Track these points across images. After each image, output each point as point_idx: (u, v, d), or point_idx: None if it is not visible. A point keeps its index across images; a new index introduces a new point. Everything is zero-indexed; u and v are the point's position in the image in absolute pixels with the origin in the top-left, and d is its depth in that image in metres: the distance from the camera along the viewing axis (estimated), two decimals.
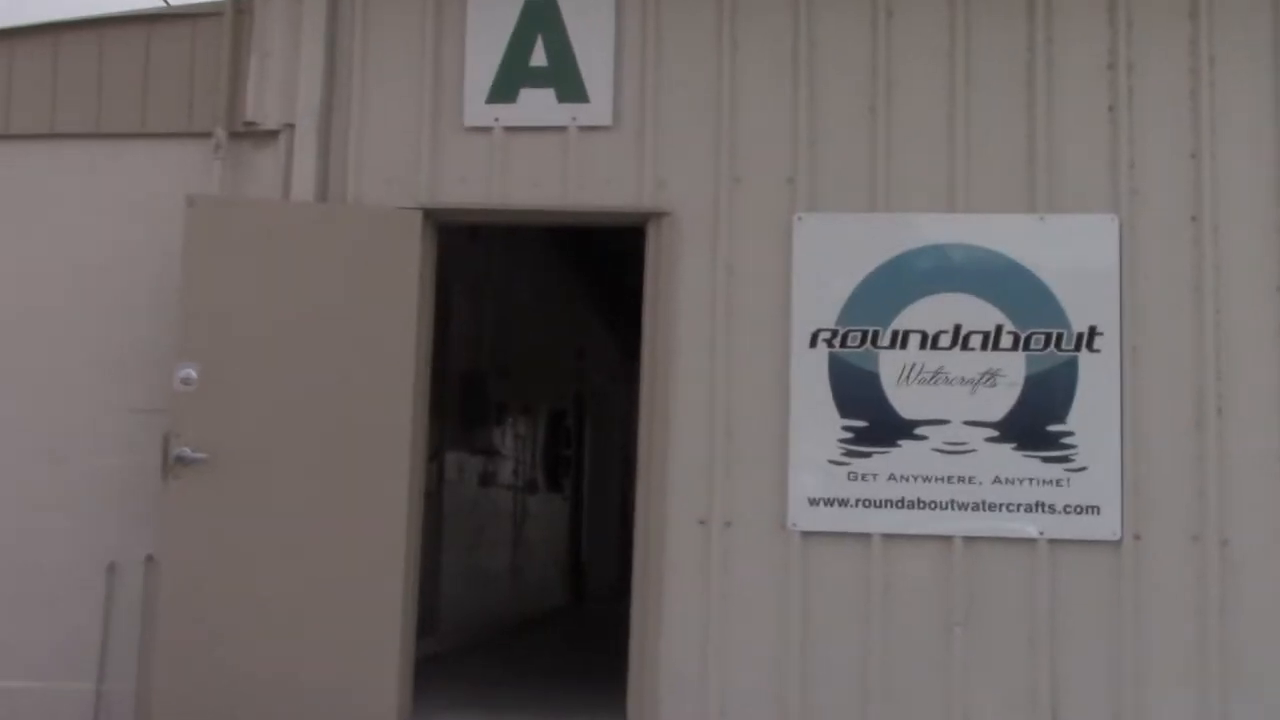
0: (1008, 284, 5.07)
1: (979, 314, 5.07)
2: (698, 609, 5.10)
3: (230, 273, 5.23)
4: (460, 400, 8.63)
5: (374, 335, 5.32)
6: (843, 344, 5.12)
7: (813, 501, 5.07)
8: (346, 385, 5.26)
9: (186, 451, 5.07)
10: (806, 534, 5.06)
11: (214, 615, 5.06)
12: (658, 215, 5.32)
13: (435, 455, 8.14)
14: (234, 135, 5.56)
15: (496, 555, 9.68)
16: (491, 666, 7.74)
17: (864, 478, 5.06)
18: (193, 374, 5.11)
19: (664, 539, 5.15)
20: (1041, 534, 4.95)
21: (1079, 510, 4.94)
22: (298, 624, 5.12)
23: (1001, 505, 4.98)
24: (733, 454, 5.15)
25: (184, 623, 5.05)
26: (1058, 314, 5.03)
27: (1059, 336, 5.02)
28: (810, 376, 5.12)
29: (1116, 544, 4.91)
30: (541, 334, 10.89)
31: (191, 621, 5.05)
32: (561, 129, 5.38)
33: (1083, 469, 4.95)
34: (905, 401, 5.07)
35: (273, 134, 5.56)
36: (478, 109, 5.44)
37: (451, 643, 8.27)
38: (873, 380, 5.10)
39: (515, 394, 9.87)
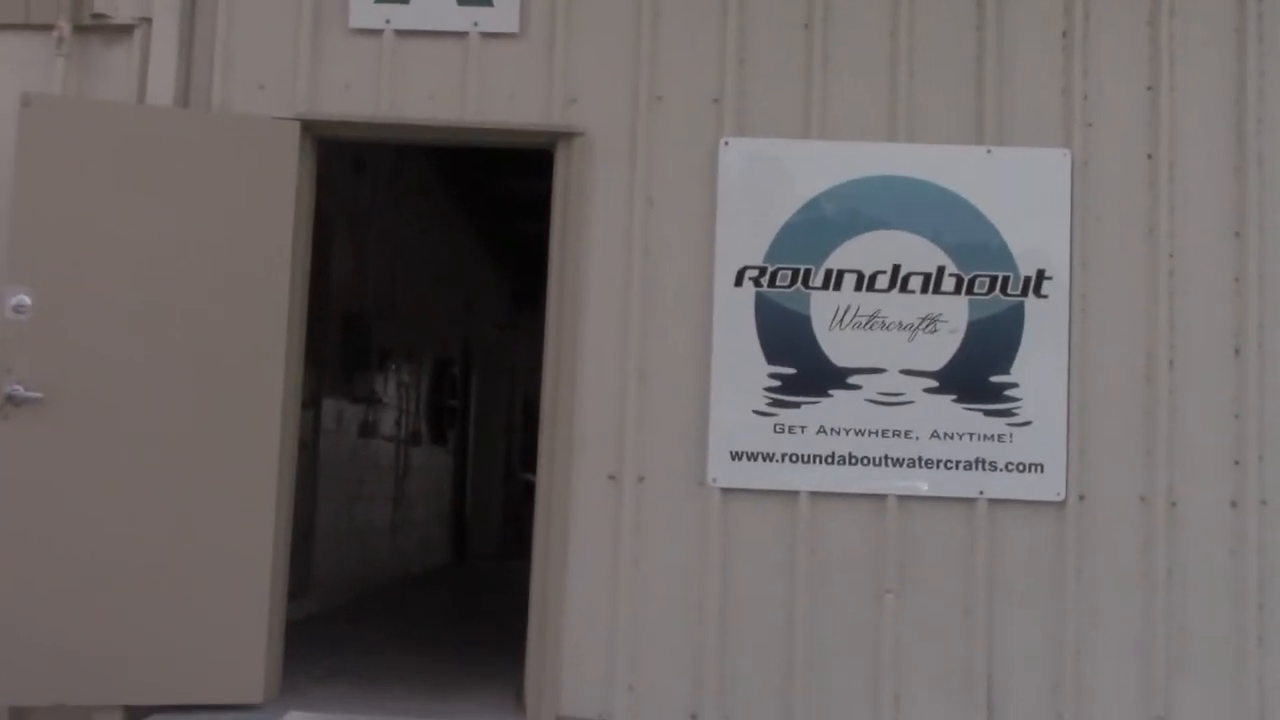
0: (951, 222, 4.64)
1: (920, 254, 4.64)
2: (605, 574, 4.60)
3: (72, 185, 4.52)
4: (340, 343, 7.98)
5: (242, 264, 4.67)
6: (771, 283, 4.65)
7: (735, 455, 4.60)
8: (209, 320, 4.61)
9: (18, 389, 4.37)
10: (727, 491, 4.60)
11: (47, 578, 4.40)
12: (568, 135, 4.76)
13: (312, 402, 7.48)
14: (80, 29, 4.81)
15: (376, 510, 9.06)
16: (371, 630, 7.16)
17: (791, 430, 4.60)
18: (26, 300, 4.41)
19: (569, 496, 4.63)
20: (982, 493, 4.56)
21: (1021, 468, 4.56)
22: (148, 589, 4.48)
23: (939, 462, 4.58)
24: (647, 403, 4.65)
25: (9, 587, 4.37)
26: (1004, 256, 4.63)
27: (1005, 280, 4.62)
28: (735, 319, 4.64)
29: (1060, 505, 4.55)
30: (428, 279, 10.24)
31: (19, 586, 4.38)
32: (461, 35, 4.77)
33: (1026, 424, 4.57)
34: (838, 348, 4.62)
35: (126, 29, 4.84)
36: (365, 8, 4.80)
37: (326, 604, 7.66)
38: (803, 324, 4.64)
39: (399, 340, 9.23)
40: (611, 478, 4.64)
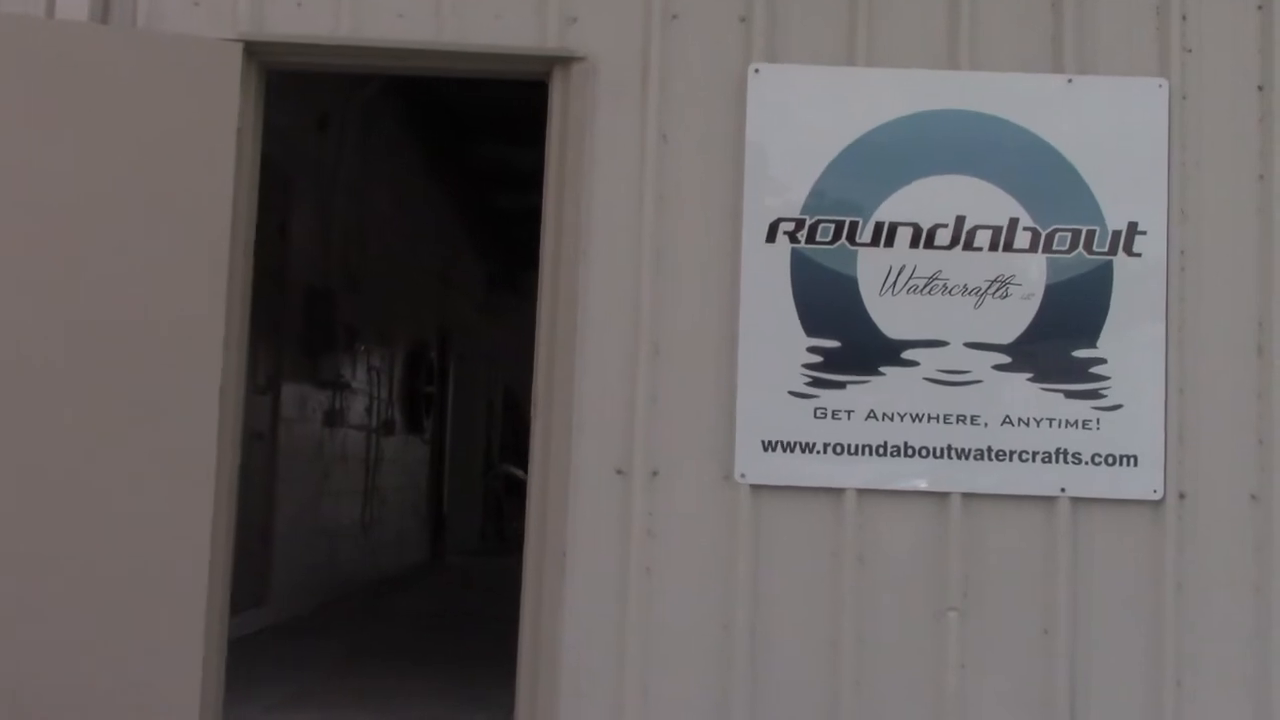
0: (1025, 165, 3.88)
1: (988, 203, 3.88)
2: (612, 586, 3.83)
3: None
4: (302, 321, 7.17)
5: (173, 218, 3.87)
6: (810, 239, 3.87)
7: (768, 446, 3.83)
8: (133, 284, 3.80)
9: None
10: (758, 488, 3.83)
11: None
12: (566, 61, 3.97)
13: (269, 386, 6.67)
14: None
15: (345, 507, 8.26)
16: (337, 644, 6.37)
17: (835, 415, 3.84)
18: None
19: (568, 494, 3.85)
20: (1063, 491, 3.81)
21: (1111, 461, 3.80)
22: (57, 604, 3.69)
23: (1012, 454, 3.82)
24: (662, 383, 3.87)
25: None
26: (1089, 205, 3.87)
27: (1090, 235, 3.86)
28: (767, 281, 3.87)
29: (1158, 504, 3.80)
30: (402, 253, 9.43)
31: None
32: None
33: (1117, 407, 3.81)
34: (891, 316, 3.86)
35: None
36: None
37: (286, 613, 6.86)
38: (849, 287, 3.87)
39: (370, 318, 8.42)
40: (619, 472, 3.86)
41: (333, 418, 7.84)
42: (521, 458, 14.57)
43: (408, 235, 9.58)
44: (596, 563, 3.85)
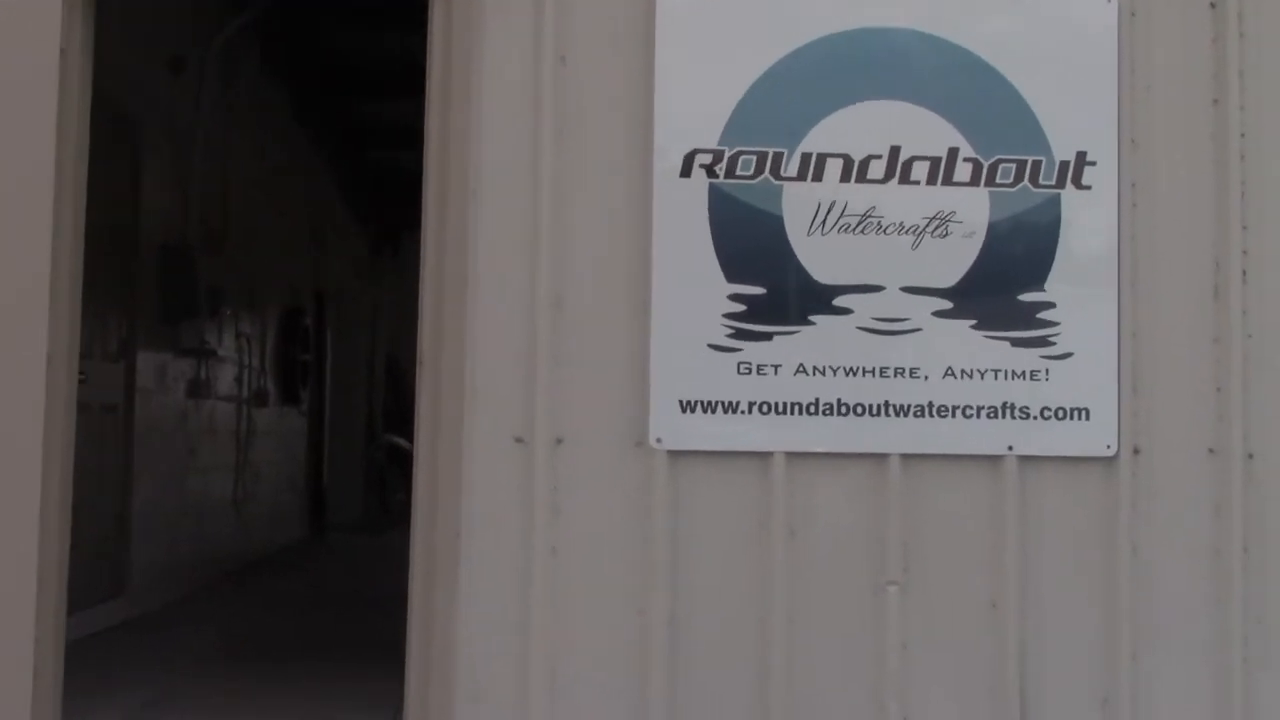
0: (965, 89, 3.49)
1: (926, 131, 3.48)
2: (513, 570, 3.37)
3: None
4: (159, 283, 6.51)
5: None
6: (730, 172, 3.44)
7: (686, 406, 3.40)
8: None
9: None
10: (676, 455, 3.40)
11: None
12: None
13: (121, 355, 6.03)
14: None
15: (214, 484, 7.63)
16: (207, 635, 5.80)
17: (761, 370, 3.42)
18: None
19: (461, 467, 3.38)
20: (1011, 449, 3.45)
21: (1061, 415, 3.46)
22: None
23: (955, 409, 3.45)
24: (565, 338, 3.41)
25: None
26: (1034, 134, 3.50)
27: (1035, 166, 3.49)
28: (682, 221, 3.42)
29: (1111, 461, 3.47)
30: (271, 211, 8.77)
31: None
32: None
33: (1067, 355, 3.47)
34: (821, 258, 3.45)
35: None
36: None
37: (151, 603, 6.25)
38: (774, 226, 3.45)
39: (237, 280, 7.77)
40: (519, 440, 3.39)
41: (198, 388, 7.20)
42: (406, 427, 13.97)
43: (279, 193, 8.91)
44: (495, 544, 3.38)
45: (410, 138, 10.26)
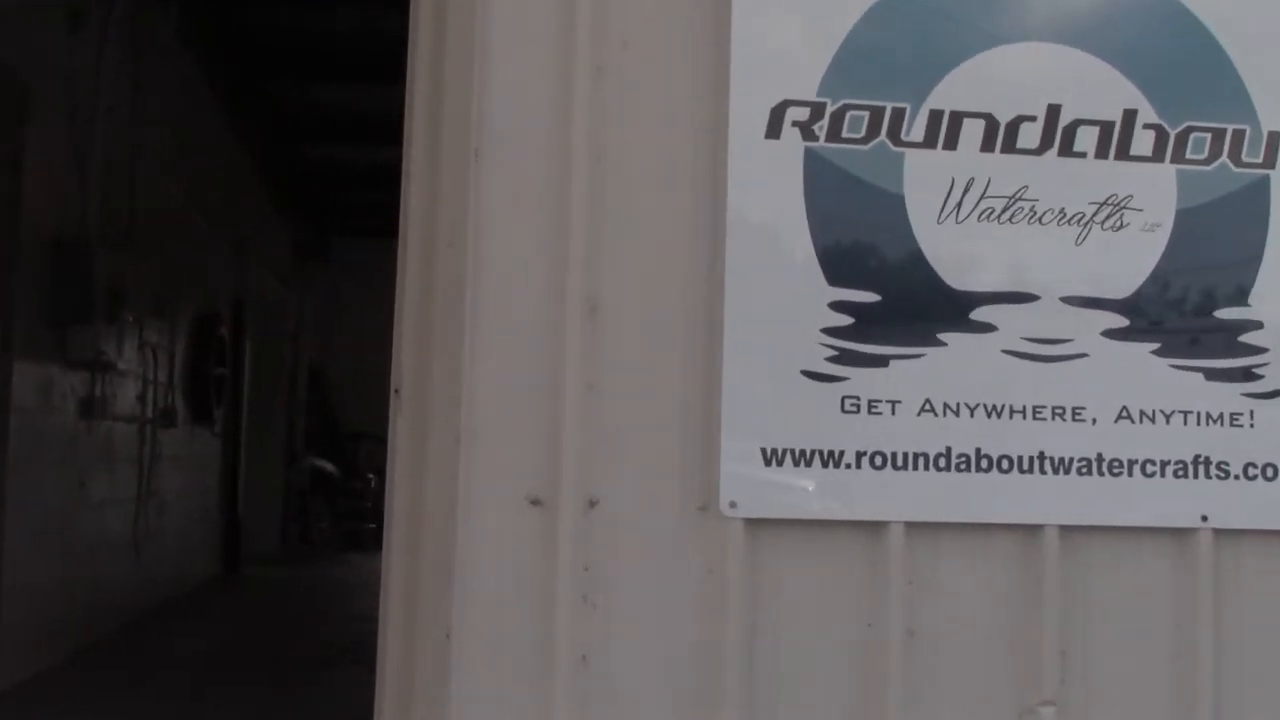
0: (1150, 34, 2.58)
1: (1095, 87, 2.57)
2: (526, 682, 2.38)
3: None
4: (46, 283, 5.41)
5: None
6: (834, 133, 2.49)
7: (771, 457, 2.44)
8: None
9: None
10: (756, 524, 2.43)
11: None
12: None
13: None
14: None
15: (109, 521, 6.50)
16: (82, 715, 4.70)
17: (874, 408, 2.47)
18: None
19: (453, 540, 2.38)
20: (1205, 520, 2.54)
21: (1270, 474, 2.56)
22: None
23: (1132, 464, 2.53)
24: (604, 361, 2.43)
25: None
26: (1237, 96, 2.60)
27: (1238, 138, 2.59)
28: (768, 199, 2.47)
29: None
30: (186, 205, 7.66)
31: None
32: None
33: (1277, 394, 2.58)
34: (954, 255, 2.51)
35: None
36: None
37: (22, 673, 5.12)
38: (893, 209, 2.51)
39: (142, 283, 6.66)
40: (535, 503, 2.40)
41: (91, 407, 6.09)
42: (330, 448, 12.84)
43: (194, 184, 7.80)
44: (501, 650, 2.39)
45: (344, 129, 9.18)
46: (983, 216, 2.52)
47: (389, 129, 9.75)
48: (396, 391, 2.47)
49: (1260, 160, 2.60)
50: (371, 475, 12.83)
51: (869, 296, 2.48)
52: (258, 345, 10.56)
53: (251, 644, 6.68)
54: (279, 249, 11.70)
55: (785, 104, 2.48)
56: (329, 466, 12.38)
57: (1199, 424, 2.54)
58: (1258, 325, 2.57)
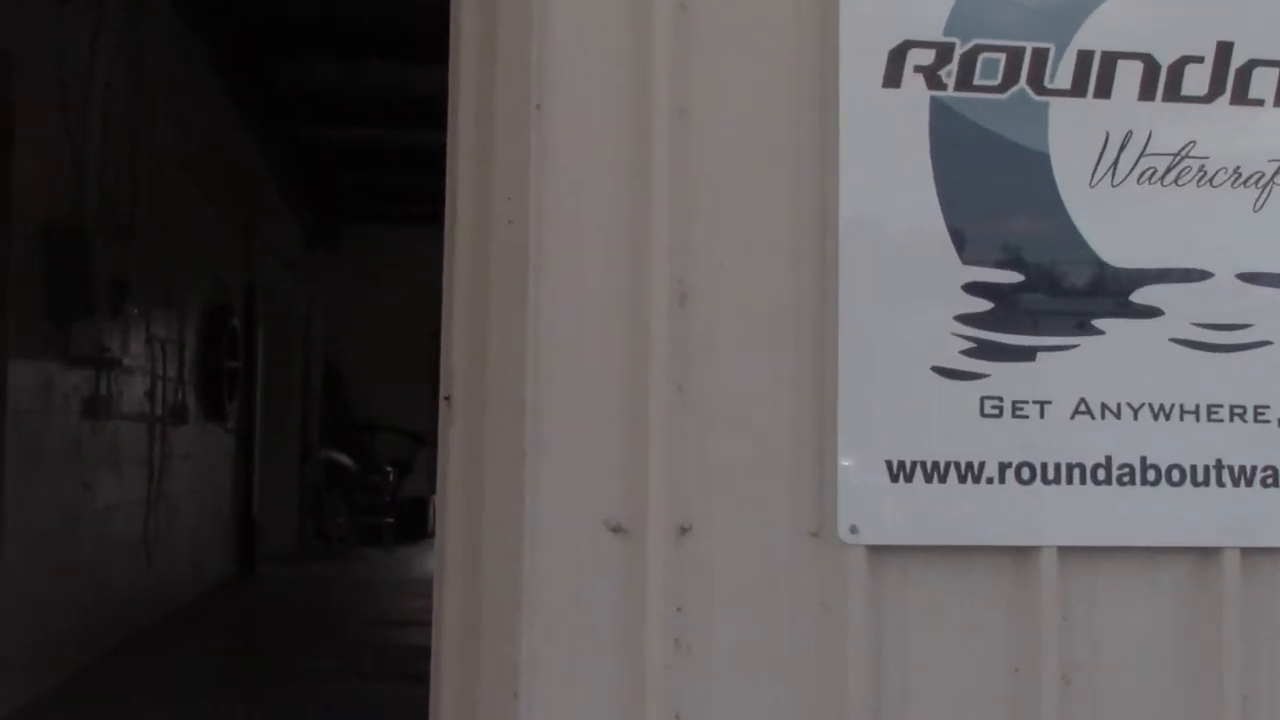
0: None
1: (1273, 21, 2.16)
2: None
3: None
4: (42, 274, 5.01)
5: None
6: (965, 80, 2.07)
7: (898, 471, 2.03)
8: None
9: None
10: (882, 552, 2.02)
11: None
12: None
13: None
14: None
15: (116, 526, 6.12)
16: None
17: (1019, 410, 2.06)
18: None
19: (518, 575, 1.97)
20: None
21: None
22: None
23: None
24: (693, 358, 2.02)
25: None
26: None
27: None
28: (887, 160, 2.06)
29: None
30: (192, 188, 7.25)
31: None
32: None
33: None
34: (1111, 225, 2.09)
35: None
36: None
37: (14, 697, 4.74)
38: (1036, 170, 2.09)
39: (147, 273, 6.27)
40: (616, 530, 2.00)
41: (96, 406, 5.69)
42: (345, 441, 12.46)
43: (198, 167, 7.39)
44: (574, 705, 1.99)
45: (353, 109, 8.72)
46: (1143, 178, 2.10)
47: (399, 108, 9.35)
48: (447, 399, 2.06)
49: None
50: (389, 468, 12.46)
51: (1010, 276, 2.07)
52: (269, 336, 10.17)
53: (266, 651, 6.30)
54: (288, 235, 11.31)
55: (906, 45, 2.06)
56: (345, 460, 12.00)
57: None
58: None
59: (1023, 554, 2.05)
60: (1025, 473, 2.05)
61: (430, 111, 9.76)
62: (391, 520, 11.73)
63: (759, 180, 2.06)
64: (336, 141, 10.69)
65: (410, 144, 10.64)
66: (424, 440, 13.63)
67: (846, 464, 2.02)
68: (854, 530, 2.01)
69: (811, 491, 2.03)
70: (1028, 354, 2.06)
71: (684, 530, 2.01)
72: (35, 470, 4.93)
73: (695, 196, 2.03)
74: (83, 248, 5.12)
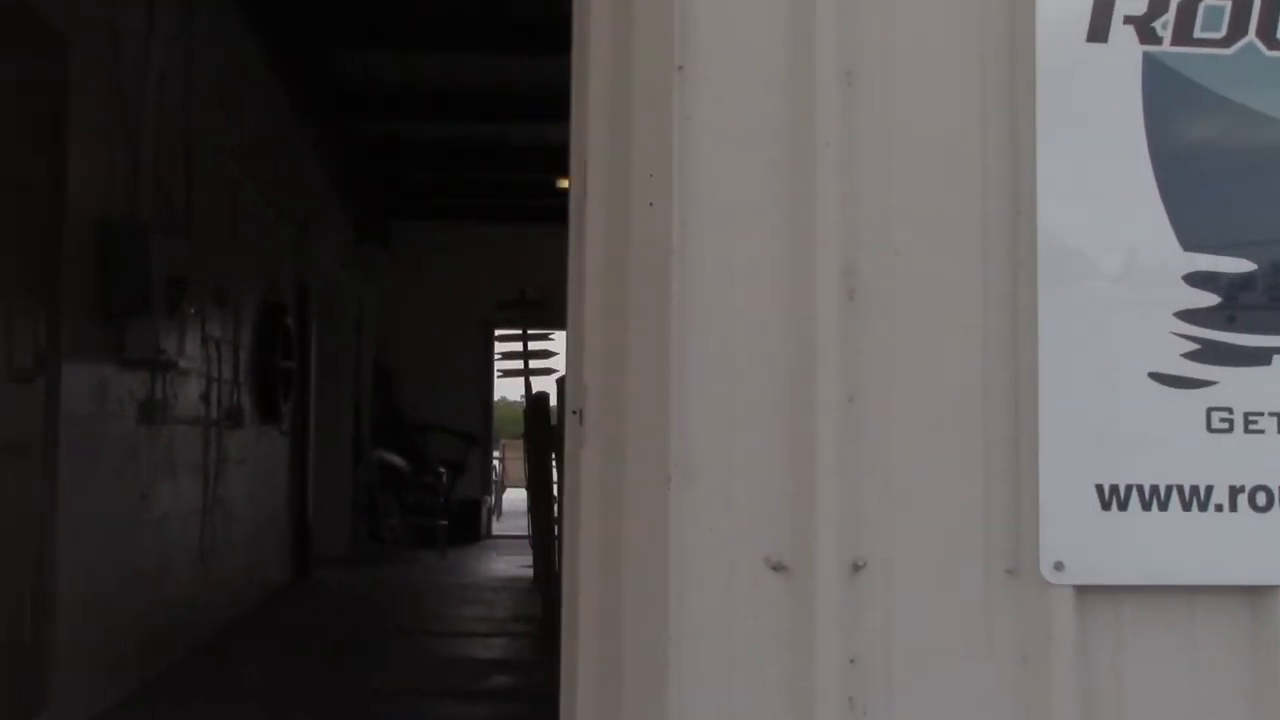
0: None
1: None
2: None
3: None
4: (96, 272, 4.78)
5: None
6: (1183, 34, 1.75)
7: (1110, 497, 1.71)
8: None
9: None
10: (1093, 593, 1.71)
11: None
12: None
13: (40, 369, 4.29)
14: None
15: (173, 535, 5.89)
16: None
17: (1252, 424, 1.73)
18: None
19: (663, 620, 1.68)
20: None
21: None
22: None
23: None
24: (868, 370, 1.71)
25: None
26: None
27: None
28: (1091, 127, 1.74)
29: None
30: (247, 184, 7.03)
31: None
32: None
33: None
34: None
35: None
36: None
37: (93, 707, 4.52)
38: (1268, 140, 1.77)
39: (203, 270, 6.04)
40: (778, 568, 1.69)
41: (152, 411, 5.46)
42: (397, 441, 12.22)
43: (252, 160, 7.16)
44: None
45: (405, 101, 8.40)
46: None
47: (451, 101, 9.02)
48: (575, 414, 1.76)
49: None
50: (442, 469, 12.22)
51: (1241, 265, 1.74)
52: (322, 335, 9.96)
53: (330, 671, 6.04)
54: (340, 232, 11.09)
55: None
56: (398, 460, 11.77)
57: None
58: None
59: (1260, 594, 1.73)
60: (1261, 498, 1.73)
61: (484, 102, 9.44)
62: (445, 522, 11.49)
63: (941, 155, 1.75)
64: (388, 135, 10.45)
65: (463, 136, 10.39)
66: (476, 440, 13.40)
67: (1049, 489, 1.70)
68: (1058, 567, 1.70)
69: (1007, 521, 1.72)
70: (1262, 357, 1.74)
71: (857, 568, 1.70)
72: (91, 478, 4.70)
73: (865, 172, 1.73)
74: (139, 244, 4.89)
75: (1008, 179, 1.75)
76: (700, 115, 1.71)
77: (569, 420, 1.77)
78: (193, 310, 5.91)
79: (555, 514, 7.36)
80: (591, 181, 1.76)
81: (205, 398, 6.41)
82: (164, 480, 5.71)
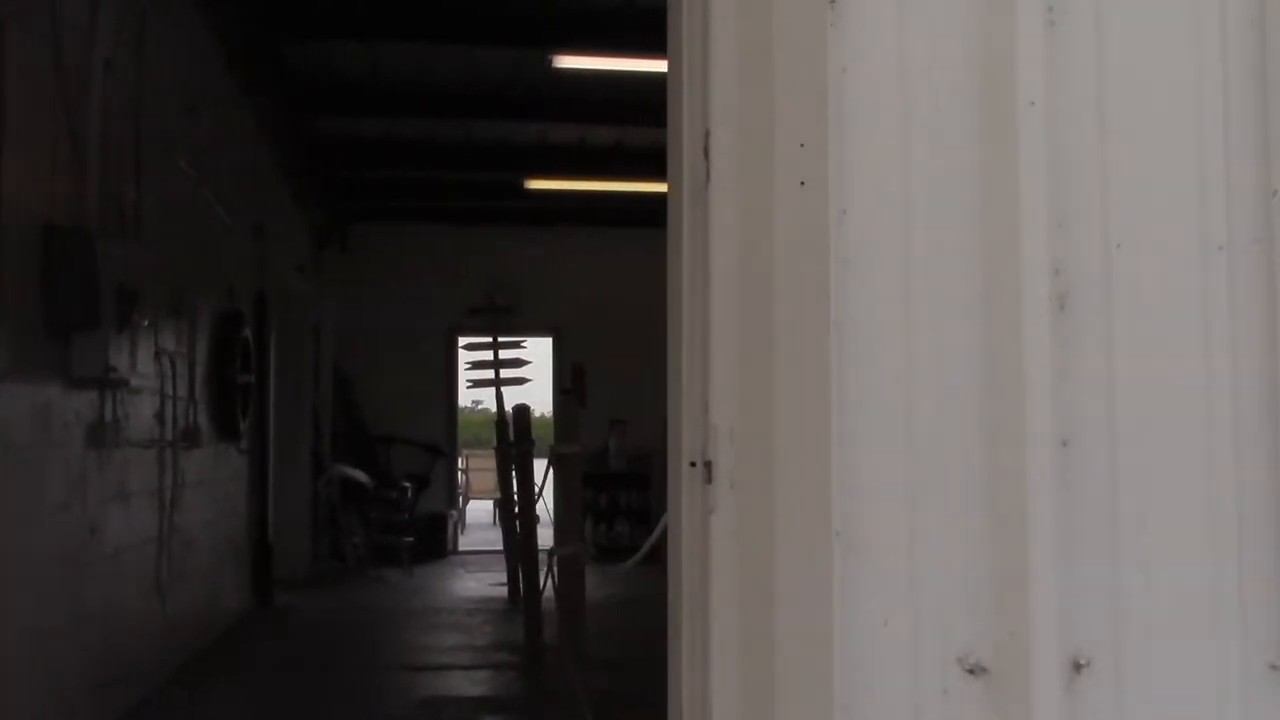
0: None
1: None
2: None
3: None
4: (40, 280, 4.26)
5: None
6: None
7: None
8: None
9: None
10: None
11: None
12: None
13: None
14: None
15: (126, 571, 5.35)
16: None
17: None
18: None
19: None
20: None
21: None
22: None
23: None
24: (1088, 404, 1.29)
25: None
26: None
27: None
28: None
29: None
30: (200, 183, 6.51)
31: None
32: None
33: None
34: None
35: None
36: None
37: None
38: None
39: (154, 277, 5.51)
40: (974, 671, 1.27)
41: (102, 434, 4.93)
42: (358, 455, 11.68)
43: (205, 160, 6.64)
44: None
45: (370, 97, 7.81)
46: None
47: (417, 96, 8.48)
48: (696, 465, 1.32)
49: None
50: (406, 483, 11.70)
51: None
52: (281, 344, 9.43)
53: (302, 714, 5.54)
54: (297, 235, 10.56)
55: None
56: (360, 476, 11.23)
57: None
58: None
59: None
60: None
61: (453, 100, 8.86)
62: (410, 539, 10.97)
63: (1164, 122, 1.33)
64: (349, 132, 9.95)
65: (427, 135, 9.91)
66: (441, 452, 12.88)
67: None
68: None
69: (1270, 607, 1.30)
70: None
71: (1079, 667, 1.28)
72: (32, 513, 4.18)
73: (1076, 146, 1.31)
74: (86, 250, 4.38)
75: (1251, 156, 1.34)
76: (860, 60, 1.28)
77: (686, 475, 1.33)
78: (145, 322, 5.39)
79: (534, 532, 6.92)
80: (715, 158, 1.32)
81: (160, 417, 5.88)
82: (116, 509, 5.19)
